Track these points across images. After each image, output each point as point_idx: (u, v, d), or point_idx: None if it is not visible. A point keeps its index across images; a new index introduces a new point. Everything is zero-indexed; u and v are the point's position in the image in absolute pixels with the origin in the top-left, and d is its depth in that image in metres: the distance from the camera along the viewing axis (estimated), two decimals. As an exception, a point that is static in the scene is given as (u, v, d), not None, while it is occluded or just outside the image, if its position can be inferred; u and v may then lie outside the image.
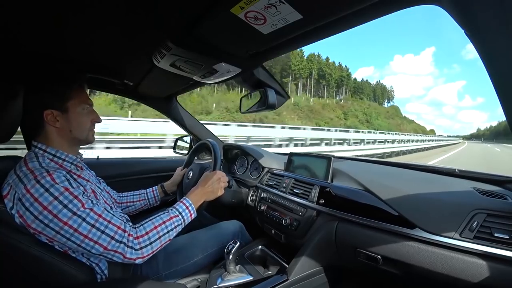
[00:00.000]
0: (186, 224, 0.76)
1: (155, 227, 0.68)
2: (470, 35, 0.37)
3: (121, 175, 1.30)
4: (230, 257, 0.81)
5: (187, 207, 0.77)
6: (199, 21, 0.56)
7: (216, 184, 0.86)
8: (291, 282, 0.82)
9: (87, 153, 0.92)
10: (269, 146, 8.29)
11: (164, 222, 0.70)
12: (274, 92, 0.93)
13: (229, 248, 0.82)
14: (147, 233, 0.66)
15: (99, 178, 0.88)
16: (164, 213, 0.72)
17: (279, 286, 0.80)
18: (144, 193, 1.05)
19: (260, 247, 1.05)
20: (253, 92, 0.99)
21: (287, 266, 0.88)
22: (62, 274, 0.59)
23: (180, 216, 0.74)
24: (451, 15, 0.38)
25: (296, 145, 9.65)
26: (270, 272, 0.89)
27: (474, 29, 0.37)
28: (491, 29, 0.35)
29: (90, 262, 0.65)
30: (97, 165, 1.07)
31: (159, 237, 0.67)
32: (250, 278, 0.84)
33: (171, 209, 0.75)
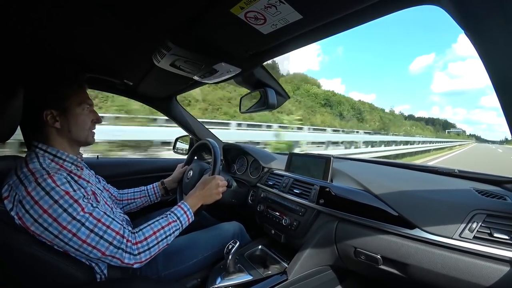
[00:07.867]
0: (184, 228, 0.77)
1: (154, 233, 0.68)
2: (469, 35, 0.37)
3: (121, 175, 1.30)
4: (230, 256, 0.81)
5: (185, 212, 0.78)
6: (199, 21, 0.56)
7: (214, 189, 0.87)
8: (291, 282, 0.82)
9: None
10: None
11: (162, 228, 0.70)
12: (274, 92, 0.94)
13: (229, 248, 0.82)
14: (145, 238, 0.66)
15: (99, 177, 0.88)
16: (162, 218, 0.73)
17: (278, 285, 0.80)
18: (144, 190, 1.05)
19: (260, 247, 1.05)
20: (253, 92, 0.99)
21: (286, 266, 0.88)
22: (61, 274, 0.59)
23: (178, 221, 0.75)
24: (450, 15, 0.38)
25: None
26: (270, 272, 0.89)
27: (473, 29, 0.37)
28: (490, 28, 0.35)
29: (89, 262, 0.65)
30: (97, 165, 1.08)
31: (158, 243, 0.68)
32: (249, 278, 0.84)
33: (169, 214, 0.75)
